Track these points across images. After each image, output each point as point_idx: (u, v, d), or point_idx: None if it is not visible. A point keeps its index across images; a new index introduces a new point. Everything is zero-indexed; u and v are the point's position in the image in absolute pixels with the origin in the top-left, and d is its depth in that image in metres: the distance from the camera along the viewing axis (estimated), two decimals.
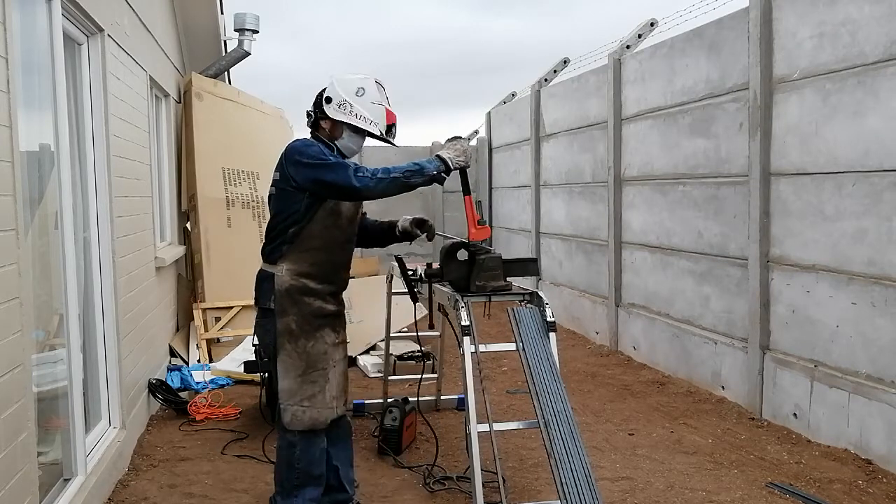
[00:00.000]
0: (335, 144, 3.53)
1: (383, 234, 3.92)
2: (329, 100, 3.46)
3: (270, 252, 3.51)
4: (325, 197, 3.40)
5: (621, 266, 7.56)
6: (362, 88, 3.46)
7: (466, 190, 3.68)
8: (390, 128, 3.53)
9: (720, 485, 4.18)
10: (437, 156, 3.45)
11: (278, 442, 3.59)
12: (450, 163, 3.43)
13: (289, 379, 3.45)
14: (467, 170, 3.61)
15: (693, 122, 6.24)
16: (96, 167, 4.38)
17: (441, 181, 3.43)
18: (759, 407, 5.35)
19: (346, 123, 3.47)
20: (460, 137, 3.60)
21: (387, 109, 3.50)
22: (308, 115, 3.59)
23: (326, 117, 3.49)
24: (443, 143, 3.61)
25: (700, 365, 6.14)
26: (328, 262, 3.53)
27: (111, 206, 4.48)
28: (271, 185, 3.54)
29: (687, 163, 6.34)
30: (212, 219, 7.62)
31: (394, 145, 3.72)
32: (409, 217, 3.85)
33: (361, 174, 3.28)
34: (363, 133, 3.51)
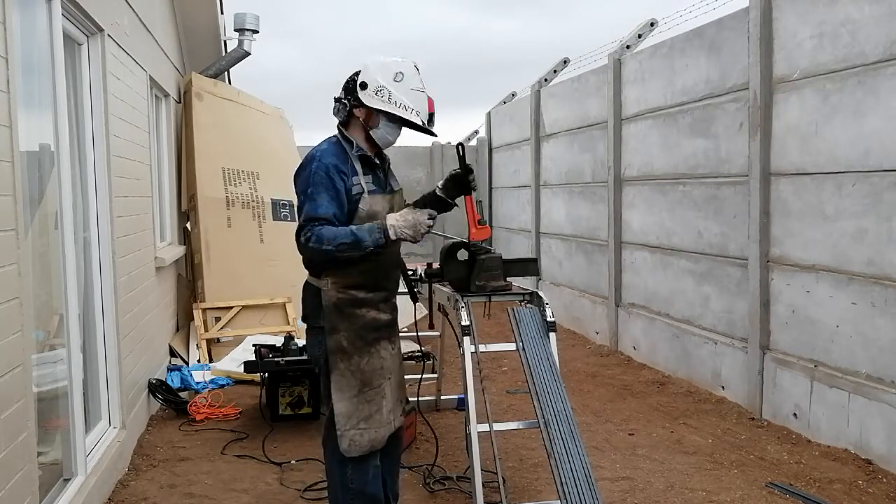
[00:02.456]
0: (370, 134, 3.22)
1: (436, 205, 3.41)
2: (364, 85, 3.12)
3: (315, 264, 3.22)
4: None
5: (621, 266, 7.56)
6: (401, 73, 3.14)
7: (469, 191, 3.62)
8: (431, 116, 3.23)
9: (720, 485, 4.18)
10: (388, 224, 3.11)
11: (328, 462, 3.32)
12: (392, 231, 3.10)
13: (344, 401, 3.16)
14: (470, 173, 3.33)
15: (693, 122, 6.24)
16: (96, 167, 4.38)
17: (379, 252, 3.14)
18: (759, 407, 5.35)
19: (383, 112, 3.15)
20: (417, 212, 3.19)
21: (428, 97, 3.20)
22: (336, 101, 3.26)
23: (361, 105, 3.15)
24: (409, 203, 3.32)
25: (700, 365, 6.14)
26: (376, 266, 3.21)
27: (111, 206, 4.48)
28: (296, 195, 3.27)
29: (687, 163, 6.34)
30: (212, 219, 7.62)
31: (434, 135, 3.35)
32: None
33: (300, 238, 3.04)
34: (402, 122, 3.20)
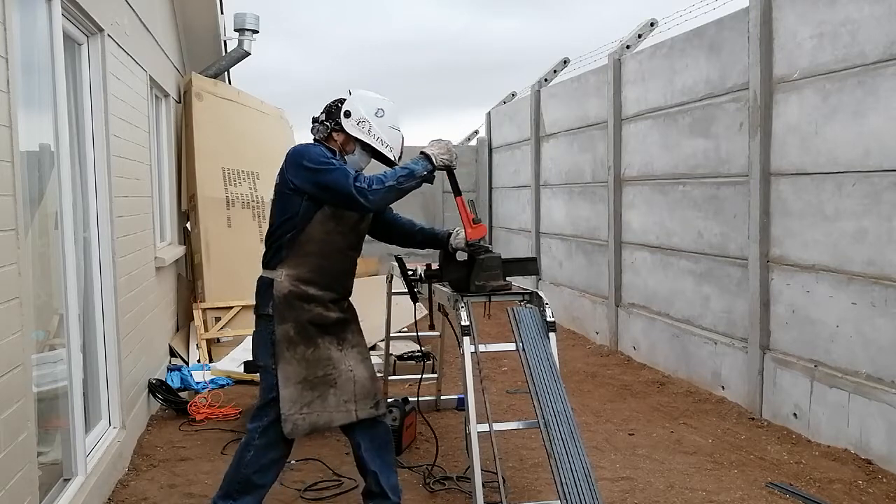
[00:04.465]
0: (344, 159, 3.46)
1: (430, 241, 3.85)
2: (348, 114, 3.41)
3: (270, 258, 3.44)
4: (325, 201, 3.33)
5: (621, 266, 7.57)
6: (382, 110, 3.43)
7: (457, 191, 3.61)
8: (401, 154, 3.52)
9: (720, 485, 4.18)
10: (422, 153, 3.39)
11: (241, 443, 3.50)
12: (434, 159, 3.37)
13: (289, 387, 3.35)
14: (454, 170, 3.52)
15: (693, 122, 6.24)
16: (96, 167, 4.38)
17: (430, 181, 3.38)
18: (759, 407, 5.35)
19: (361, 141, 3.43)
20: (442, 140, 3.52)
21: (402, 136, 3.48)
22: (315, 121, 3.52)
23: (342, 130, 3.43)
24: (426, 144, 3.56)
25: (700, 365, 6.14)
26: (328, 268, 3.44)
27: (111, 206, 4.48)
28: (273, 192, 3.48)
29: (687, 163, 6.34)
30: (212, 219, 7.62)
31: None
32: (463, 240, 3.68)
33: (360, 184, 3.20)
34: (374, 153, 3.47)
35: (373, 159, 3.51)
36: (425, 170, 3.34)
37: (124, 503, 4.08)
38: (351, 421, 3.46)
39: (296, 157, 3.35)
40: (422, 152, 3.39)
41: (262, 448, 3.41)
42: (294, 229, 3.36)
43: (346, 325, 3.56)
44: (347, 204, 3.28)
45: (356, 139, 3.43)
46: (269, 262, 3.45)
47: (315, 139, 3.52)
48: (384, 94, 3.52)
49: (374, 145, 3.42)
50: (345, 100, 3.47)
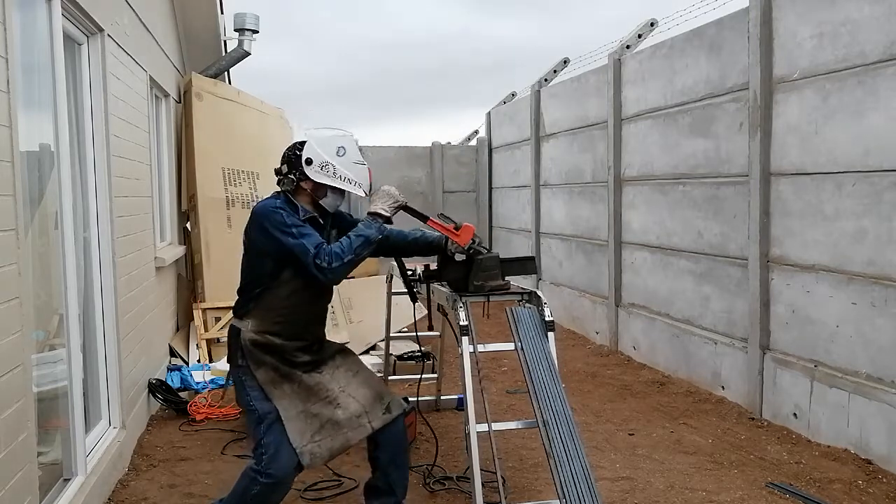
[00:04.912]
0: (319, 203, 3.41)
1: (426, 249, 3.77)
2: (310, 161, 3.32)
3: (239, 308, 3.42)
4: (289, 264, 3.29)
5: (621, 266, 7.56)
6: (343, 147, 3.36)
7: (423, 218, 3.60)
8: (371, 186, 3.46)
9: (720, 485, 4.18)
10: (370, 213, 3.35)
11: (243, 472, 3.34)
12: (384, 212, 3.34)
13: (291, 420, 3.29)
14: (407, 205, 3.48)
15: (693, 122, 6.24)
16: (96, 167, 4.38)
17: (384, 234, 3.38)
18: (759, 407, 5.35)
19: (329, 186, 3.36)
20: (381, 188, 3.47)
21: (368, 168, 3.43)
22: (278, 173, 3.43)
23: (308, 178, 3.34)
24: (370, 198, 3.50)
25: (700, 365, 6.14)
26: (296, 319, 3.40)
27: (111, 206, 4.48)
28: (244, 237, 3.44)
29: (687, 163, 6.34)
30: (212, 219, 7.62)
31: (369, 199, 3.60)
32: (461, 246, 3.65)
33: (319, 261, 3.16)
34: (344, 193, 3.42)
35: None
36: (380, 231, 3.30)
37: (124, 503, 4.08)
38: (368, 434, 3.42)
39: (259, 220, 3.30)
40: (369, 213, 3.36)
41: (269, 486, 3.24)
42: (262, 286, 3.34)
43: (319, 363, 3.50)
44: (307, 275, 3.25)
45: (324, 185, 3.36)
46: (237, 311, 3.43)
47: (283, 191, 3.42)
48: (341, 128, 3.48)
49: (343, 187, 3.36)
50: (302, 145, 3.38)
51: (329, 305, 3.65)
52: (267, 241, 3.27)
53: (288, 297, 3.35)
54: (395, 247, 3.76)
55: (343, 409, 3.38)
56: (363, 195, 3.43)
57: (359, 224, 3.38)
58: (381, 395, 3.51)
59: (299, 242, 3.21)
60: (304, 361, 3.44)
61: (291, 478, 3.33)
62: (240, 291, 3.44)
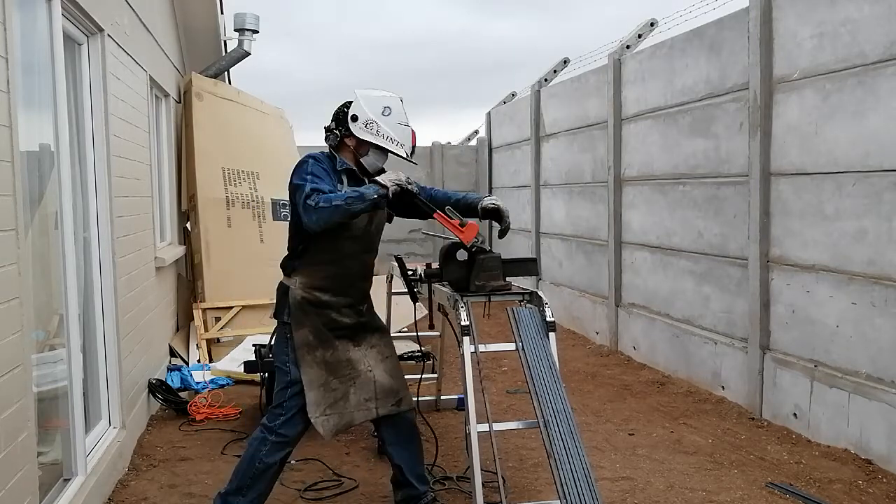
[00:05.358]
0: (361, 161, 3.50)
1: (464, 211, 3.71)
2: (355, 118, 3.43)
3: (285, 266, 3.53)
4: None
5: (621, 266, 7.57)
6: (388, 108, 3.45)
7: (430, 209, 3.60)
8: (413, 149, 3.55)
9: (720, 485, 4.18)
10: (375, 181, 3.37)
11: (253, 434, 3.56)
12: (384, 183, 3.33)
13: (312, 391, 3.43)
14: (414, 194, 3.48)
15: (693, 122, 6.24)
16: (96, 167, 4.38)
17: (382, 206, 3.40)
18: (759, 407, 5.35)
19: (372, 143, 3.45)
20: (394, 172, 3.46)
21: (412, 130, 3.50)
22: (326, 129, 3.55)
23: (352, 135, 3.46)
24: (411, 160, 3.60)
25: (700, 365, 6.14)
26: (341, 274, 3.50)
27: (111, 206, 4.48)
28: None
29: (687, 163, 6.34)
30: (212, 219, 7.62)
31: (414, 164, 3.73)
32: (489, 204, 3.70)
33: (308, 202, 3.19)
34: (388, 152, 3.49)
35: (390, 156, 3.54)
36: (375, 193, 3.28)
37: (124, 503, 4.08)
38: (371, 418, 3.58)
39: (293, 171, 3.41)
40: (371, 180, 3.41)
41: (277, 444, 3.46)
42: (303, 242, 3.44)
43: (362, 328, 3.64)
44: (298, 217, 3.33)
45: (367, 142, 3.46)
46: (285, 269, 3.54)
47: (329, 146, 3.55)
48: (390, 90, 3.55)
49: (384, 145, 3.45)
50: (350, 103, 3.49)
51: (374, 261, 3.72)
52: (290, 189, 3.36)
53: (332, 248, 3.44)
54: (435, 200, 3.72)
55: (357, 391, 3.53)
56: (404, 156, 3.50)
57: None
58: (397, 391, 3.64)
59: (302, 184, 3.27)
60: (347, 325, 3.55)
61: (297, 440, 3.53)
62: (288, 247, 3.54)
